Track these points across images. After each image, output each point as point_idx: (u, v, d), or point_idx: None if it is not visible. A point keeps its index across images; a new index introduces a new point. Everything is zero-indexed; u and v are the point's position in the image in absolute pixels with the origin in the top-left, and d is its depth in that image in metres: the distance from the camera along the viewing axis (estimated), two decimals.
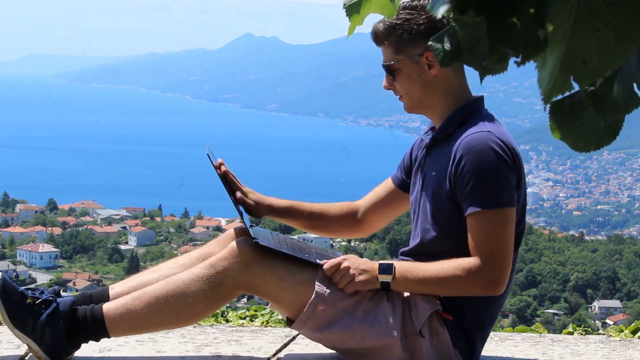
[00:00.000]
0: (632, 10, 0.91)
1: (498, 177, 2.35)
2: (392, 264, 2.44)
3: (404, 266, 2.44)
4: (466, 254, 2.46)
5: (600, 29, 0.92)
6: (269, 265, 2.42)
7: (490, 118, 2.48)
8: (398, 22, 2.49)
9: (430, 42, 1.13)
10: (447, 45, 1.11)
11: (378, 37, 2.54)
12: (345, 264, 2.46)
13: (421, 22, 2.46)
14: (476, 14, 0.97)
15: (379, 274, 2.44)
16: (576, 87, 0.95)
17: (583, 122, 1.07)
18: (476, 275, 2.36)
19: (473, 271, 2.36)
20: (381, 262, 2.46)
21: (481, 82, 1.11)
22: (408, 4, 2.49)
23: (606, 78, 1.02)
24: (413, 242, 2.59)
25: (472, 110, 2.50)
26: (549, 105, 1.06)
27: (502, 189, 2.36)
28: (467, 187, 2.37)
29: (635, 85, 1.03)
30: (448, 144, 2.46)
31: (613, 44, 0.92)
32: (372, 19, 2.54)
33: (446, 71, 2.51)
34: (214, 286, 2.42)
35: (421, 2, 2.49)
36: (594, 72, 0.93)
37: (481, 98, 2.57)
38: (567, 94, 1.00)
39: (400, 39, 2.49)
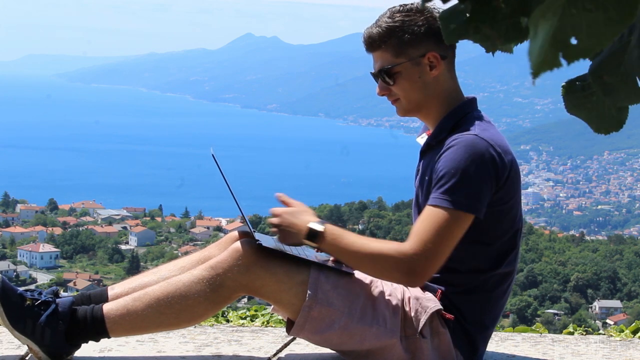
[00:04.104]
0: None
1: (467, 181, 2.33)
2: (323, 232, 2.39)
3: (333, 233, 2.40)
4: (462, 259, 2.46)
5: (591, 9, 0.93)
6: (269, 267, 2.41)
7: (481, 120, 2.46)
8: (396, 24, 2.47)
9: (439, 14, 1.12)
10: (455, 21, 1.09)
11: (375, 41, 2.51)
12: (274, 220, 2.45)
13: (420, 23, 2.46)
14: (460, 1, 0.99)
15: (305, 238, 2.41)
16: (565, 64, 0.96)
17: (593, 106, 1.11)
18: (401, 260, 2.32)
19: (400, 255, 2.32)
20: (311, 227, 2.41)
21: (493, 53, 1.11)
22: (401, 8, 2.48)
23: (612, 66, 1.05)
24: None
25: (463, 114, 2.48)
26: (561, 87, 1.10)
27: (467, 194, 2.33)
28: (436, 179, 2.37)
29: (637, 77, 1.05)
30: (440, 150, 2.45)
31: (602, 25, 0.94)
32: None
33: (444, 72, 2.50)
34: (215, 288, 2.41)
35: (414, 5, 2.49)
36: (583, 51, 0.94)
37: (474, 100, 2.56)
38: (565, 73, 1.01)
39: (401, 41, 2.47)
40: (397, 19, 2.47)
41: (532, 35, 0.98)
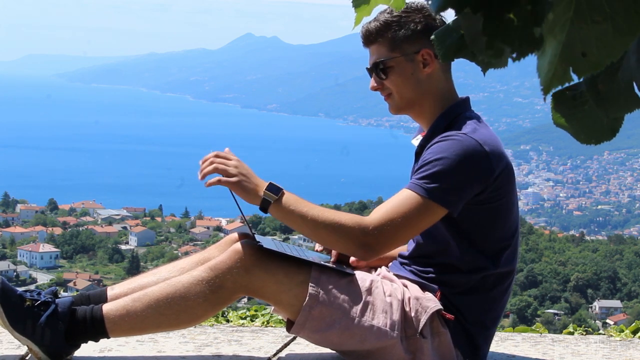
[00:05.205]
0: (630, 4, 0.92)
1: (447, 175, 2.33)
2: (282, 188, 2.39)
3: (291, 195, 2.40)
4: (458, 258, 2.46)
5: (599, 21, 0.93)
6: (268, 268, 2.41)
7: (473, 120, 2.45)
8: (394, 19, 2.50)
9: (433, 36, 1.12)
10: (450, 40, 1.10)
11: (371, 34, 2.53)
12: (233, 162, 2.40)
13: (418, 20, 2.49)
14: (473, 11, 0.98)
15: (265, 190, 2.38)
16: (576, 78, 0.96)
17: (584, 116, 1.09)
18: (358, 232, 2.32)
19: (358, 226, 2.32)
20: (272, 182, 2.41)
21: (484, 74, 1.10)
22: None
23: (608, 75, 1.04)
24: (410, 247, 2.60)
25: (456, 114, 2.49)
26: (550, 96, 1.08)
27: (445, 187, 2.33)
28: (419, 166, 2.38)
29: (635, 84, 1.04)
30: None
31: (612, 37, 0.93)
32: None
33: (438, 71, 2.52)
34: (215, 289, 2.41)
35: (415, 4, 2.51)
36: (593, 64, 0.94)
37: (467, 100, 2.56)
38: (567, 85, 1.00)
39: (397, 36, 2.49)
40: (395, 14, 2.50)
41: (541, 51, 0.97)
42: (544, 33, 0.95)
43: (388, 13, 2.51)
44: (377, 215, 2.35)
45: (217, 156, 2.42)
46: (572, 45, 0.94)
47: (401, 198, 2.36)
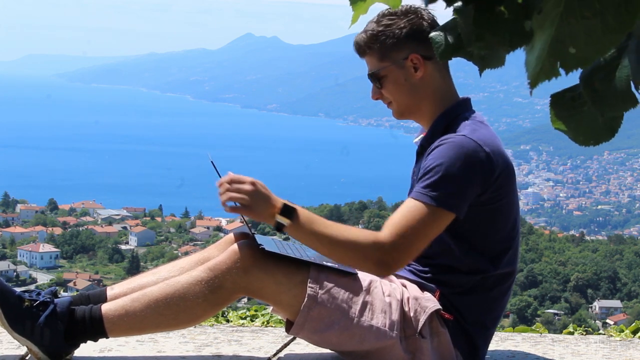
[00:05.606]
0: (621, 2, 0.93)
1: (450, 179, 2.32)
2: (296, 209, 2.31)
3: (306, 214, 2.34)
4: (458, 259, 2.46)
5: (589, 17, 0.93)
6: (267, 268, 2.41)
7: (473, 121, 2.44)
8: (380, 29, 2.49)
9: (430, 35, 1.12)
10: (447, 39, 1.09)
11: (361, 47, 2.54)
12: (246, 187, 2.31)
13: (403, 25, 2.48)
14: (465, 3, 0.99)
15: (279, 214, 2.31)
16: (563, 73, 0.96)
17: (583, 117, 1.09)
18: (375, 250, 2.29)
19: (375, 245, 2.29)
20: (286, 202, 2.33)
21: (480, 74, 1.10)
22: (387, 12, 2.50)
23: (605, 73, 1.04)
24: None
25: (455, 115, 2.48)
26: (549, 99, 1.09)
27: (450, 192, 2.32)
28: (421, 174, 2.37)
29: (632, 83, 1.04)
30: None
31: (601, 34, 0.93)
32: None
33: (432, 73, 2.51)
34: (214, 290, 2.41)
35: (401, 8, 2.50)
36: (581, 60, 0.94)
37: (467, 100, 2.56)
38: (566, 86, 1.02)
39: (384, 45, 2.49)
40: (382, 23, 2.50)
41: (530, 46, 0.97)
42: (534, 27, 0.95)
43: (375, 22, 2.51)
44: (390, 230, 2.31)
45: (231, 181, 2.34)
46: (561, 40, 0.94)
47: (410, 209, 2.33)
